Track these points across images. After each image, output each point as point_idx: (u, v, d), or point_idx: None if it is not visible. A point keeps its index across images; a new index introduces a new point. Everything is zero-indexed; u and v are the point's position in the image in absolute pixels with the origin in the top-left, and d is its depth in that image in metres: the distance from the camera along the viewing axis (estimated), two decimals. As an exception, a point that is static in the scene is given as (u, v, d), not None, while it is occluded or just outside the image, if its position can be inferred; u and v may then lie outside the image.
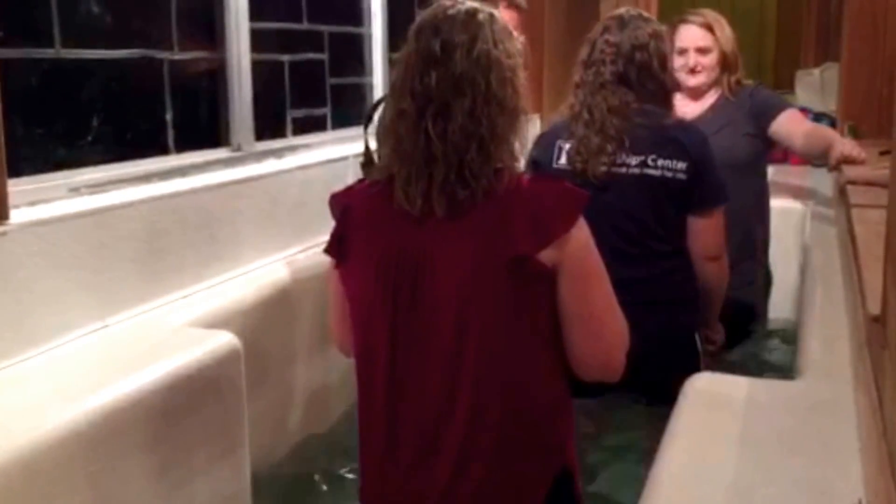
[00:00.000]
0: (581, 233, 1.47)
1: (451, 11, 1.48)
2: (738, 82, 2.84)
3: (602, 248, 2.16)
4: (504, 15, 2.40)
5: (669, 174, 2.14)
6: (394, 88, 1.50)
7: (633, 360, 2.15)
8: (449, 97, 1.43)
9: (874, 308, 1.41)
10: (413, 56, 1.47)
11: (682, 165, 2.14)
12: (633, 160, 2.15)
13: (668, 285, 2.21)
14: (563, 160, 2.24)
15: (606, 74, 2.19)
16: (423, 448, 1.47)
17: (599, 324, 1.50)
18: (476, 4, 1.51)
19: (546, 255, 1.42)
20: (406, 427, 1.48)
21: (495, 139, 1.44)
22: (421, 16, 1.51)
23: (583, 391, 2.24)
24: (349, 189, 1.60)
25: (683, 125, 2.28)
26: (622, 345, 1.54)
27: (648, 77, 2.20)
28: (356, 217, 1.53)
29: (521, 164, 1.50)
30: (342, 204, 1.56)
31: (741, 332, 2.84)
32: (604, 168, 2.15)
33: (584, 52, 2.27)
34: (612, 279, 2.14)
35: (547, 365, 1.50)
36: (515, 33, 1.56)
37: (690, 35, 2.75)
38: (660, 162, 2.15)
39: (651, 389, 2.11)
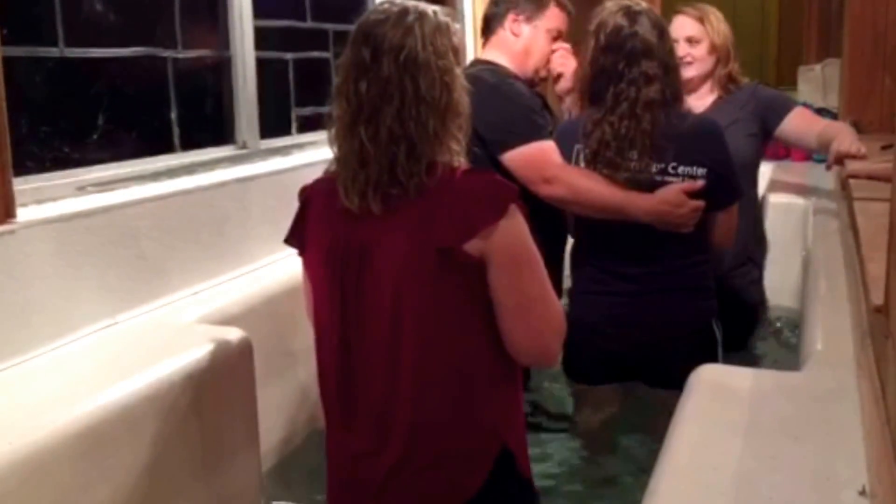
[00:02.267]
0: (511, 223, 1.50)
1: (382, 16, 1.52)
2: (730, 76, 2.78)
3: (620, 249, 2.20)
4: (554, 13, 2.42)
5: (690, 180, 2.14)
6: (333, 95, 1.56)
7: (651, 346, 2.19)
8: (378, 103, 1.49)
9: (877, 298, 1.42)
10: (348, 63, 1.53)
11: (702, 171, 2.14)
12: (654, 167, 2.15)
13: (684, 275, 2.22)
14: (581, 165, 2.23)
15: (642, 98, 2.13)
16: (373, 427, 1.55)
17: (528, 312, 1.53)
18: (408, 4, 1.54)
19: (473, 247, 1.47)
20: (357, 408, 1.57)
21: (426, 139, 1.49)
22: (358, 20, 1.56)
23: (603, 378, 2.28)
24: (315, 182, 1.67)
25: (700, 124, 2.25)
26: (555, 333, 1.59)
27: (669, 83, 2.18)
28: (312, 210, 1.63)
29: (460, 158, 1.54)
30: (304, 196, 1.66)
31: (745, 333, 2.85)
32: (626, 174, 2.15)
33: (606, 62, 2.17)
34: (627, 274, 2.21)
35: (484, 350, 1.55)
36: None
37: (680, 25, 2.72)
38: (680, 169, 2.15)
39: (669, 375, 2.05)
